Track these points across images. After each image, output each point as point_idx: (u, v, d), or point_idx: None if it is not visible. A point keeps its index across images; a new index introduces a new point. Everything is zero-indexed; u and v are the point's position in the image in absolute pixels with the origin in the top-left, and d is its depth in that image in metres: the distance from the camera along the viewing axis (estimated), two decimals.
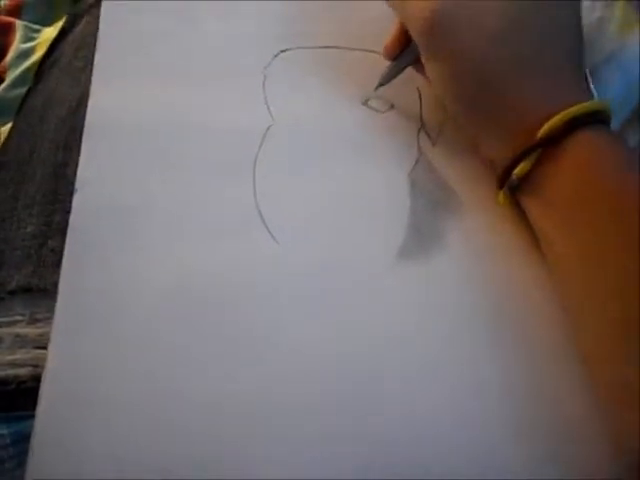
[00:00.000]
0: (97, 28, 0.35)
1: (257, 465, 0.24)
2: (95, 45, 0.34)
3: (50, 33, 0.49)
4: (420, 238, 0.30)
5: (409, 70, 0.33)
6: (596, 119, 0.26)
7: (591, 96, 0.28)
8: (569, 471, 0.24)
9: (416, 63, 0.32)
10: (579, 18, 0.29)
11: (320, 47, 0.35)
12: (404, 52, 0.32)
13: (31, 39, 0.49)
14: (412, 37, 0.30)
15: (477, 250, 0.30)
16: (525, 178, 0.27)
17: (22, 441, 0.25)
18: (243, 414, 0.25)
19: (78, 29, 0.39)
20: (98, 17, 0.36)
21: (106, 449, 0.24)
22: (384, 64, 0.34)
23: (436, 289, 0.28)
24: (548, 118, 0.26)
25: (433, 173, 0.32)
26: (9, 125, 0.41)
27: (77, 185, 0.29)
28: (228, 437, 0.24)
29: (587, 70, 0.31)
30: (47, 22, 0.51)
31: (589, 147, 0.26)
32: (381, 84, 0.33)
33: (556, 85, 0.27)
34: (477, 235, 0.30)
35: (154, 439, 0.24)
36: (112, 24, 0.35)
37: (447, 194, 0.31)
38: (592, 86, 0.32)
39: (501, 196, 0.29)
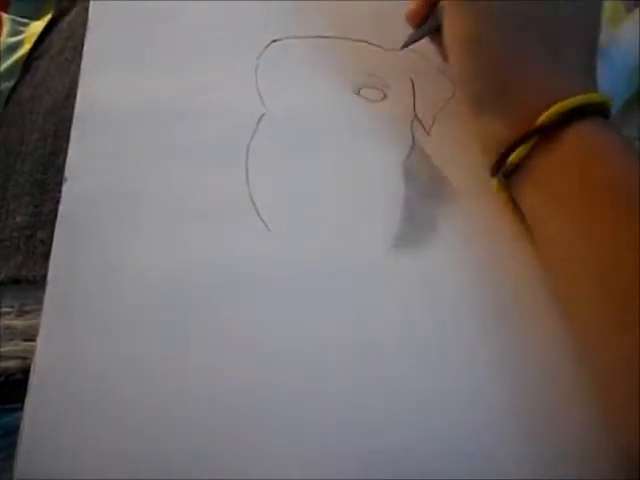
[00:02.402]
0: (86, 19, 0.35)
1: (256, 463, 0.24)
2: (84, 36, 0.34)
3: (38, 27, 0.48)
4: (414, 227, 0.29)
5: (403, 59, 0.33)
6: (596, 111, 0.26)
7: (595, 88, 0.28)
8: (572, 471, 0.24)
9: (437, 31, 0.32)
10: (599, 10, 0.29)
11: (312, 37, 0.35)
12: (429, 19, 0.32)
13: (19, 32, 0.48)
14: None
15: (471, 238, 0.29)
16: (519, 165, 0.27)
17: (11, 433, 0.24)
18: (241, 409, 0.24)
19: (67, 20, 0.39)
20: (87, 8, 0.35)
21: (95, 443, 0.24)
22: (376, 54, 0.34)
23: (430, 278, 0.28)
24: (550, 105, 0.26)
25: (427, 162, 0.31)
26: None
27: (66, 174, 0.29)
28: (225, 434, 0.24)
29: None
30: (35, 16, 0.50)
31: (586, 138, 0.26)
32: (406, 45, 0.33)
33: (562, 74, 0.27)
34: (471, 224, 0.30)
35: (145, 434, 0.24)
36: (101, 13, 0.35)
37: (441, 183, 0.31)
38: None
39: (495, 183, 0.29)
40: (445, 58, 0.32)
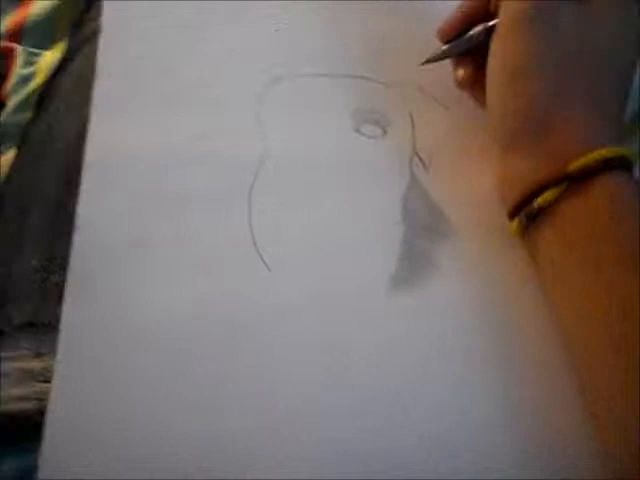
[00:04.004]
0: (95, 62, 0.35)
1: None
2: (93, 80, 0.35)
3: (50, 57, 0.49)
4: (413, 264, 0.30)
5: (402, 95, 0.34)
6: (622, 163, 0.27)
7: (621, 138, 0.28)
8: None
9: (466, 54, 0.31)
10: (637, 55, 0.29)
11: (311, 75, 0.36)
12: (460, 40, 0.31)
13: (31, 64, 0.49)
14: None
15: (470, 275, 0.30)
16: (543, 210, 0.27)
17: (30, 474, 0.26)
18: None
19: (77, 61, 0.40)
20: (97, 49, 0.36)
21: None
22: (374, 90, 0.34)
23: (430, 316, 0.29)
24: (584, 153, 0.26)
25: (426, 199, 0.32)
26: (12, 151, 0.41)
27: (77, 223, 0.30)
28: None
29: None
30: (47, 46, 0.51)
31: (612, 190, 0.26)
32: (428, 61, 0.33)
33: (598, 122, 0.28)
34: (470, 260, 0.30)
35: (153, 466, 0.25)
36: (109, 56, 0.36)
37: (440, 220, 0.32)
38: None
39: (515, 225, 0.29)
40: (463, 86, 0.32)
